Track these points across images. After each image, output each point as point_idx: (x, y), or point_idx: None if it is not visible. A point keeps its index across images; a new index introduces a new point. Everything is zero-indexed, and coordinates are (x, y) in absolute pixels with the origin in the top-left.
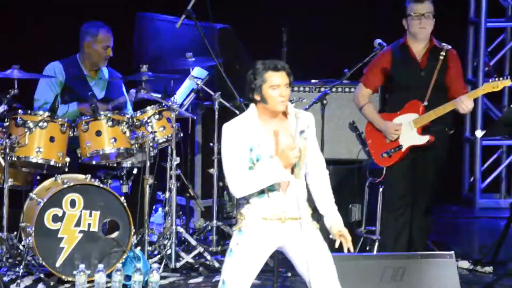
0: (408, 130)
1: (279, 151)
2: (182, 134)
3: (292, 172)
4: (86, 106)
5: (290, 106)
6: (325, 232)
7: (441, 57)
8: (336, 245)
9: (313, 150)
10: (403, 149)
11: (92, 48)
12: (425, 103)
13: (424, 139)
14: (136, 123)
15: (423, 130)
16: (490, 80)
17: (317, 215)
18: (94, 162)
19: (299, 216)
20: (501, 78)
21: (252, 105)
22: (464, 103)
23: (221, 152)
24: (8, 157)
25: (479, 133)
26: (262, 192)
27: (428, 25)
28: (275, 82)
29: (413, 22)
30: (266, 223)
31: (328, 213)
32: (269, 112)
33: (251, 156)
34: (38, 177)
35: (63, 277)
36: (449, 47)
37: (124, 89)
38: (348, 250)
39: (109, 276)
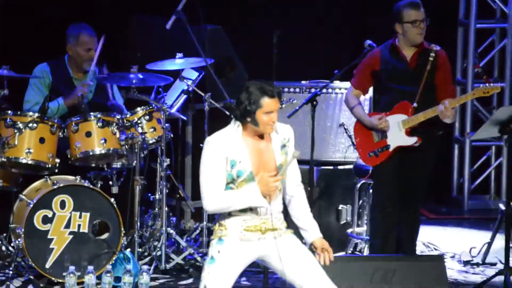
0: (396, 130)
1: (261, 178)
2: (172, 135)
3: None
4: (71, 97)
5: (275, 126)
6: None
7: (431, 58)
8: (320, 260)
9: (296, 170)
10: (390, 149)
11: (75, 50)
12: (415, 105)
13: (412, 140)
14: (126, 124)
15: (412, 132)
16: (481, 85)
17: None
18: (81, 161)
19: (277, 227)
20: (492, 84)
21: (237, 122)
22: (447, 113)
23: (200, 165)
24: None
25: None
26: None
27: (424, 30)
28: (270, 109)
29: (411, 29)
30: (247, 235)
31: (309, 228)
32: (255, 132)
33: (232, 172)
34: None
35: (53, 278)
36: (439, 48)
37: (116, 90)
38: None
39: (99, 277)
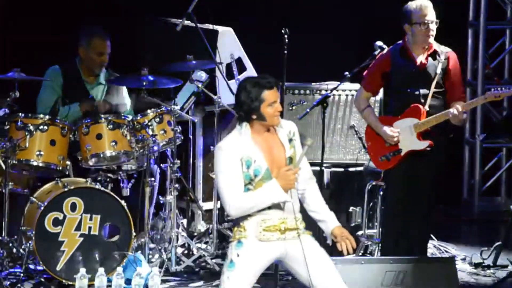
0: (408, 134)
1: (279, 173)
2: (182, 137)
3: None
4: (87, 103)
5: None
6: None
7: (441, 61)
8: (342, 248)
9: (306, 165)
10: (402, 153)
11: (87, 54)
12: (427, 108)
13: (423, 145)
14: (137, 126)
15: (423, 135)
16: (493, 89)
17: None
18: (91, 163)
19: (297, 226)
20: (503, 88)
21: (243, 123)
22: (459, 117)
23: (216, 172)
24: (9, 161)
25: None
26: None
27: (434, 32)
28: (273, 99)
29: (421, 30)
30: (266, 235)
31: (327, 218)
32: (262, 127)
33: (249, 172)
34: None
35: (64, 281)
36: (449, 50)
37: (126, 93)
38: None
39: (109, 280)
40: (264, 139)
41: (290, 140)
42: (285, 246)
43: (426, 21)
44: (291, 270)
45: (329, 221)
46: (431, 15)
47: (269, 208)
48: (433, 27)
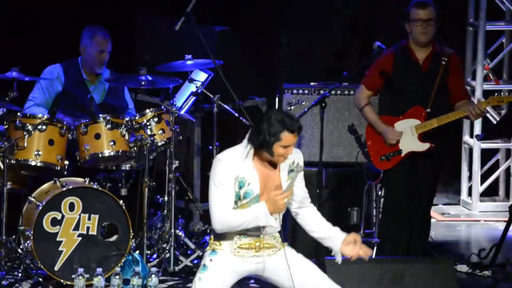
0: (409, 135)
1: (269, 197)
2: (181, 137)
3: None
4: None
5: None
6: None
7: (443, 62)
8: (362, 255)
9: (302, 186)
10: (402, 154)
11: (87, 51)
12: (428, 110)
13: (424, 146)
14: (135, 126)
15: (424, 137)
16: (496, 94)
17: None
18: (90, 163)
19: (274, 245)
20: (507, 93)
21: (249, 144)
22: (476, 111)
23: (210, 183)
24: (7, 160)
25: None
26: None
27: (430, 31)
28: (288, 143)
29: (415, 27)
30: (241, 252)
31: (333, 233)
32: (266, 158)
33: (239, 192)
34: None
35: (62, 281)
36: (452, 51)
37: (127, 93)
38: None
39: (108, 280)
40: (264, 166)
41: (291, 171)
42: (260, 263)
43: (421, 19)
44: (274, 283)
45: (336, 235)
46: (427, 13)
47: (248, 229)
48: (430, 25)
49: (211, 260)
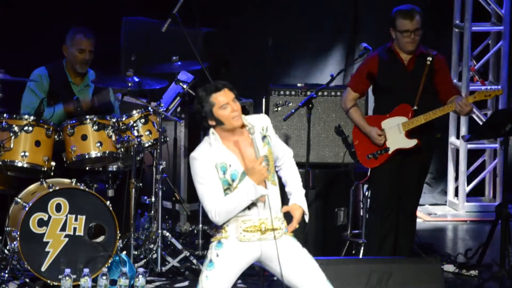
0: (396, 133)
1: (248, 169)
2: (168, 138)
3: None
4: (71, 103)
5: (243, 118)
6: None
7: (428, 63)
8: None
9: (278, 145)
10: (390, 152)
11: (69, 51)
12: (415, 107)
13: (411, 143)
14: (122, 127)
15: (411, 134)
16: (482, 88)
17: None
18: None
19: (277, 226)
20: (493, 87)
21: (211, 130)
22: (466, 108)
23: (194, 183)
24: None
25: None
26: None
27: (417, 40)
28: (223, 102)
29: (403, 38)
30: (247, 235)
31: (293, 192)
32: (228, 131)
33: (226, 177)
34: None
35: (49, 281)
36: (436, 52)
37: (112, 95)
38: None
39: (94, 280)
40: (235, 143)
41: (264, 137)
42: (265, 248)
43: (408, 30)
44: (270, 270)
45: (293, 196)
46: (414, 23)
47: (249, 208)
48: (417, 34)
49: (217, 255)
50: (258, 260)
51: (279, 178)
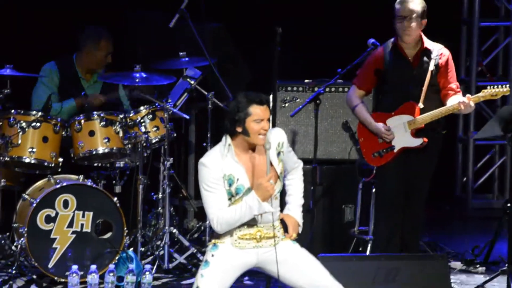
0: (401, 131)
1: (255, 185)
2: (175, 134)
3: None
4: (82, 98)
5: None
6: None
7: (433, 58)
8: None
9: (290, 159)
10: (395, 150)
11: (93, 54)
12: (421, 105)
13: (417, 142)
14: (130, 123)
15: (417, 132)
16: (489, 87)
17: None
18: (84, 160)
19: (274, 234)
20: (500, 87)
21: (228, 140)
22: (468, 109)
23: (200, 189)
24: (1, 157)
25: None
26: None
27: (411, 28)
28: (260, 116)
29: (396, 25)
30: (242, 242)
31: (289, 203)
32: (246, 144)
33: (231, 189)
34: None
35: (56, 278)
36: (442, 47)
37: (122, 90)
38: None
39: (101, 277)
40: (249, 158)
41: (279, 154)
42: (262, 255)
43: (401, 15)
44: (269, 273)
45: (291, 205)
46: (408, 10)
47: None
48: (410, 22)
49: (212, 256)
50: (255, 266)
51: (283, 185)
